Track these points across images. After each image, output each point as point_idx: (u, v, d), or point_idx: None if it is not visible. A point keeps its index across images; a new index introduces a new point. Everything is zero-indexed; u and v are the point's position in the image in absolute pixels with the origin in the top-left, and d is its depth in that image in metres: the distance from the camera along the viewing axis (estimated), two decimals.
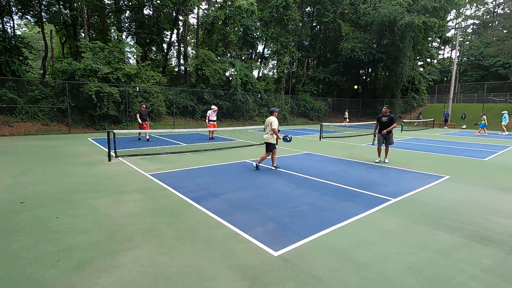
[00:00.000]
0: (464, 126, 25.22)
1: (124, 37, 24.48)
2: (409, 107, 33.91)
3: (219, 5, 24.63)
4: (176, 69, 31.27)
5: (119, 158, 8.09)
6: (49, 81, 17.67)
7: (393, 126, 7.90)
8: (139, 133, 12.69)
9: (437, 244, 3.32)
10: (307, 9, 32.44)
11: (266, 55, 32.50)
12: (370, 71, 37.34)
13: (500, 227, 3.85)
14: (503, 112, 20.19)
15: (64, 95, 15.97)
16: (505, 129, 19.57)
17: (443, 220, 4.06)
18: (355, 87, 24.29)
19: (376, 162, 8.23)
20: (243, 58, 29.69)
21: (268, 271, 2.71)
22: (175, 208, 4.35)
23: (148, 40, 24.92)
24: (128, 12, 24.86)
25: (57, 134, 14.50)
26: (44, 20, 20.69)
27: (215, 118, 12.86)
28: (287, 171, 6.98)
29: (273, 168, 7.22)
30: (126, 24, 25.68)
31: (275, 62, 31.79)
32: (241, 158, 8.61)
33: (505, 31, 35.78)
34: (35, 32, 35.48)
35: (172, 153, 9.23)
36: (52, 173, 6.37)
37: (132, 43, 23.55)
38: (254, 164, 7.24)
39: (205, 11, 29.34)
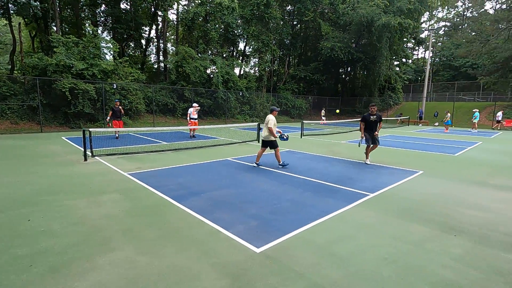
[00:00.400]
0: (437, 124, 26.47)
1: (99, 32, 23.57)
2: (386, 105, 35.11)
3: (200, 1, 24.23)
4: (156, 66, 30.54)
5: (96, 157, 7.81)
6: (18, 77, 16.69)
7: (380, 125, 7.98)
8: (116, 132, 12.31)
9: (411, 236, 3.48)
10: (288, 8, 32.68)
11: (248, 53, 32.46)
12: (349, 70, 38.29)
13: (468, 218, 4.09)
14: (474, 110, 21.43)
15: (35, 91, 15.15)
16: (476, 126, 20.73)
17: (417, 213, 4.26)
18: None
19: (367, 164, 7.81)
20: (224, 55, 29.46)
21: (251, 268, 2.72)
22: (156, 207, 4.26)
23: (125, 36, 24.15)
24: (103, 6, 23.91)
25: (27, 133, 13.74)
26: (12, 12, 19.47)
27: (196, 116, 12.70)
28: (269, 168, 7.03)
29: (280, 166, 7.17)
30: (102, 19, 24.71)
31: (257, 60, 31.81)
32: (223, 156, 8.56)
33: (473, 33, 37.79)
34: (1, 25, 33.32)
35: (151, 151, 9.02)
36: (20, 174, 6.04)
37: (108, 38, 22.72)
38: (254, 164, 7.26)
39: (185, 7, 28.81)
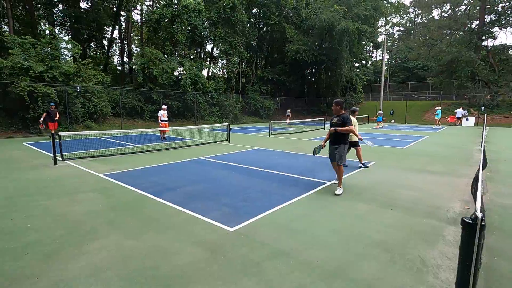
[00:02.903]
0: (393, 121, 28.83)
1: (57, 32, 22.49)
2: (348, 105, 37.34)
3: (165, 3, 24.10)
4: (120, 68, 29.69)
5: (67, 161, 7.80)
6: None
7: (345, 129, 5.10)
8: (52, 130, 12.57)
9: (356, 212, 4.24)
10: (253, 11, 33.49)
11: (215, 55, 32.74)
12: (314, 71, 40.12)
13: (403, 197, 4.97)
14: (436, 108, 23.86)
15: None
16: (439, 123, 23.07)
17: (364, 195, 5.07)
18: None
19: (365, 166, 7.37)
20: (191, 57, 29.49)
21: (225, 243, 3.26)
22: (135, 202, 4.62)
23: (86, 37, 23.29)
24: (61, 5, 22.86)
25: None
26: None
27: (166, 118, 12.89)
28: (239, 165, 7.57)
29: (361, 166, 7.37)
30: (60, 19, 23.58)
31: (225, 61, 32.23)
32: (195, 155, 8.95)
33: (422, 38, 41.52)
34: None
35: (123, 154, 9.13)
36: None
37: (67, 39, 21.77)
38: (361, 164, 7.40)
39: (149, 8, 28.40)
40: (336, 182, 5.47)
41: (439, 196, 5.02)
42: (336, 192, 5.05)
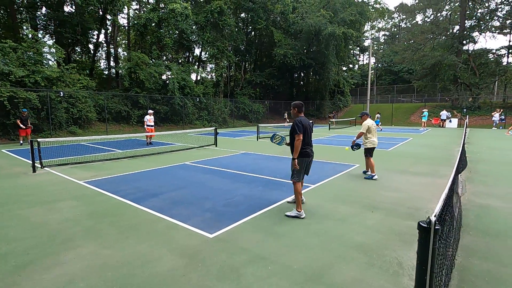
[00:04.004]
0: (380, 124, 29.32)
1: (40, 36, 21.98)
2: (336, 108, 37.87)
3: (152, 7, 23.94)
4: (106, 72, 29.23)
5: (46, 168, 7.58)
6: None
7: (296, 139, 4.09)
8: (21, 138, 12.98)
9: (338, 215, 4.26)
10: (241, 15, 33.68)
11: (204, 59, 32.68)
12: (302, 75, 40.55)
13: (385, 199, 5.04)
14: (423, 110, 24.38)
15: None
16: (425, 125, 23.59)
17: (346, 197, 5.11)
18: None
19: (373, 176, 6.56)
20: (179, 61, 29.35)
21: (204, 249, 3.21)
22: (115, 209, 4.51)
23: (70, 41, 22.85)
24: (44, 8, 22.39)
25: None
26: None
27: (152, 123, 12.74)
28: (225, 169, 7.53)
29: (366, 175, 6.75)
30: (43, 22, 23.08)
31: (213, 65, 32.21)
32: (180, 160, 8.85)
33: (406, 42, 42.63)
34: None
35: (107, 160, 8.95)
36: None
37: (51, 43, 21.31)
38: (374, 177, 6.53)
39: (136, 11, 28.15)
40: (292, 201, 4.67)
41: (420, 197, 5.12)
42: (286, 213, 4.19)
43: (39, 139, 7.64)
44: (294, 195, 4.36)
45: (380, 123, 22.77)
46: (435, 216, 1.17)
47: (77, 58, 26.94)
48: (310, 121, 4.52)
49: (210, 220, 4.06)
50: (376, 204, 4.73)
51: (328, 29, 27.59)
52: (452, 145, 12.82)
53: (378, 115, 22.90)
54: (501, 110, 24.69)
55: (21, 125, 12.47)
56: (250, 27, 34.06)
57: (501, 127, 23.65)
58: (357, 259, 2.99)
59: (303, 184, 4.56)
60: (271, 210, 4.47)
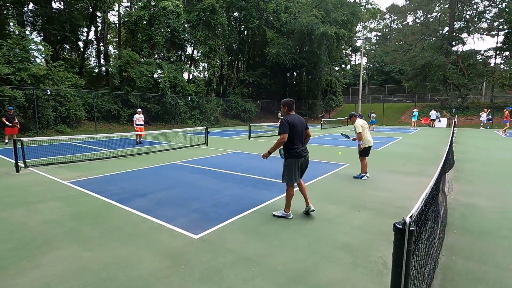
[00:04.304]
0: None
1: (27, 33, 21.47)
2: (329, 107, 38.11)
3: (143, 4, 23.62)
4: (96, 70, 28.77)
5: (30, 168, 7.38)
6: None
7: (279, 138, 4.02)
8: (6, 137, 12.73)
9: (326, 215, 4.25)
10: (234, 14, 33.54)
11: (196, 58, 32.44)
12: (295, 75, 40.64)
13: (374, 198, 5.06)
14: (414, 110, 24.64)
15: None
16: (415, 125, 23.84)
17: (335, 197, 5.11)
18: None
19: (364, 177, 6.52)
20: (171, 60, 29.06)
21: (189, 250, 3.15)
22: (99, 210, 4.41)
23: (59, 38, 22.38)
24: (32, 4, 21.86)
25: None
26: None
27: (142, 122, 12.52)
28: (215, 169, 7.46)
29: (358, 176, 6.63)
30: (30, 19, 22.55)
31: (205, 64, 31.99)
32: (170, 160, 8.74)
33: (397, 43, 43.14)
34: None
35: (94, 159, 8.78)
36: None
37: (38, 40, 20.82)
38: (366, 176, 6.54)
39: (127, 9, 27.75)
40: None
41: (407, 197, 5.15)
42: (274, 213, 4.18)
43: (22, 138, 7.43)
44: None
45: (375, 123, 22.83)
46: (410, 217, 1.14)
47: (66, 56, 26.42)
48: (301, 117, 4.32)
49: (197, 220, 4.00)
50: (364, 204, 4.74)
51: (320, 29, 27.70)
52: (441, 144, 13.00)
53: (373, 115, 22.87)
54: (489, 110, 25.20)
55: (7, 123, 12.14)
56: (242, 26, 33.95)
57: (488, 127, 24.14)
58: (342, 260, 2.98)
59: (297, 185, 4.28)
60: (259, 210, 4.43)
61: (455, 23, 32.25)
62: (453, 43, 32.77)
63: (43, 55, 17.79)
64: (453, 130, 12.39)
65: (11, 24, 21.50)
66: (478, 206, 4.71)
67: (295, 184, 4.15)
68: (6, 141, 12.74)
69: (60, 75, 17.51)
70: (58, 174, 6.83)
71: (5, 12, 21.28)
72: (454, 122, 13.65)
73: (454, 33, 32.21)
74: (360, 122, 6.74)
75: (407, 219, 1.11)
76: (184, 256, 3.04)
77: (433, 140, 14.73)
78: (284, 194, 5.08)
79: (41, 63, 18.42)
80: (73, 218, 4.08)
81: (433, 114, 26.83)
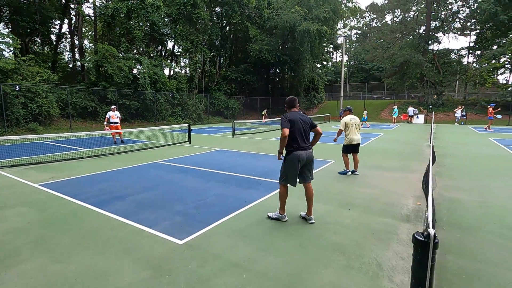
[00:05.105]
0: None
1: None
2: (311, 104, 38.42)
3: None
4: (71, 65, 27.34)
5: None
6: None
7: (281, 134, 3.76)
8: None
9: (315, 214, 4.12)
10: (216, 9, 32.90)
11: (177, 53, 31.59)
12: (278, 71, 40.57)
13: (360, 195, 5.01)
14: (394, 106, 25.15)
15: None
16: (395, 121, 24.35)
17: (323, 195, 5.02)
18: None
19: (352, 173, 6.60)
20: (151, 55, 28.13)
21: (172, 258, 2.92)
22: (72, 215, 4.06)
23: (29, 30, 21.00)
24: None
25: None
26: None
27: (117, 120, 11.65)
28: (198, 167, 7.20)
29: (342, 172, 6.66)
30: None
31: (187, 60, 31.24)
32: (151, 159, 8.37)
33: (376, 41, 44.12)
34: None
35: (69, 159, 8.24)
36: None
37: (6, 32, 19.42)
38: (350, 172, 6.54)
39: (103, 1, 26.47)
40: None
41: (393, 193, 5.15)
42: (268, 214, 4.00)
43: None
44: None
45: (367, 120, 22.73)
46: (432, 227, 1.00)
47: (37, 50, 24.86)
48: (306, 115, 3.99)
49: (181, 224, 3.76)
50: (352, 201, 4.68)
51: (302, 26, 27.72)
52: (420, 140, 13.35)
53: (365, 112, 22.95)
54: (463, 107, 26.30)
55: None
56: (224, 22, 33.38)
57: (462, 123, 25.21)
58: (335, 262, 2.86)
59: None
60: (246, 211, 4.25)
61: (431, 22, 33.32)
62: (429, 42, 33.88)
63: (11, 48, 16.59)
64: (432, 126, 12.77)
65: None
66: (461, 201, 4.78)
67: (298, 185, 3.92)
68: None
69: (30, 70, 16.43)
70: (27, 176, 6.32)
71: None
72: (433, 118, 14.03)
73: (430, 32, 33.28)
74: (346, 119, 6.70)
75: (431, 231, 0.97)
76: (167, 264, 2.81)
77: (412, 136, 15.13)
78: (273, 193, 4.97)
79: (9, 57, 17.20)
80: (42, 226, 3.73)
81: (410, 110, 27.66)
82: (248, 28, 30.33)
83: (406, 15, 38.26)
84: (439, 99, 30.86)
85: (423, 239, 0.95)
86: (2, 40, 16.08)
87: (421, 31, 35.13)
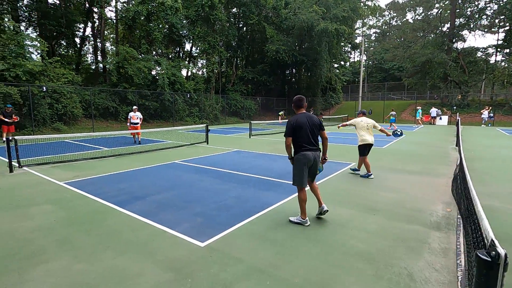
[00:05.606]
0: None
1: (23, 28, 21.01)
2: (328, 105, 37.82)
3: (140, 0, 23.14)
4: (93, 67, 28.28)
5: (25, 168, 7.07)
6: None
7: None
8: (4, 135, 12.10)
9: (338, 218, 3.99)
10: (233, 10, 33.06)
11: (195, 54, 31.99)
12: (294, 72, 40.23)
13: (384, 199, 4.80)
14: (417, 107, 24.25)
15: None
16: (420, 122, 23.46)
17: (345, 199, 4.85)
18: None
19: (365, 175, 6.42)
20: (170, 56, 28.62)
21: (194, 261, 2.88)
22: (96, 214, 4.13)
23: (55, 33, 21.93)
24: None
25: None
26: None
27: (137, 121, 11.88)
28: (216, 168, 7.18)
29: (353, 170, 6.71)
30: (25, 14, 22.05)
31: (204, 61, 31.56)
32: (169, 159, 8.45)
33: (397, 40, 42.89)
34: None
35: (91, 158, 8.47)
36: None
37: (34, 35, 20.37)
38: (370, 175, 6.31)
39: (124, 4, 27.23)
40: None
41: (420, 198, 4.90)
42: (290, 218, 3.91)
43: (17, 137, 7.12)
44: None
45: (394, 121, 20.61)
46: (499, 246, 0.87)
47: (63, 52, 25.92)
48: (314, 116, 3.97)
49: (201, 226, 3.73)
50: (376, 206, 4.48)
51: (320, 25, 27.32)
52: (444, 142, 12.77)
53: (392, 113, 20.91)
54: (490, 107, 25.02)
55: (6, 120, 11.77)
56: (241, 22, 33.49)
57: (489, 125, 23.97)
58: (362, 271, 2.72)
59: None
60: (266, 213, 4.16)
61: (456, 19, 31.95)
62: (454, 40, 32.50)
63: (39, 51, 17.33)
64: (458, 128, 12.18)
65: (6, 19, 21.03)
66: (497, 209, 4.47)
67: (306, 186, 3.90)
68: (4, 138, 12.36)
69: (56, 72, 17.10)
70: (53, 174, 6.53)
71: None
72: (458, 120, 13.39)
73: (455, 30, 31.93)
74: (358, 119, 6.67)
75: (501, 251, 0.84)
76: (189, 267, 2.77)
77: (435, 138, 14.51)
78: (292, 197, 4.85)
79: (36, 59, 18.01)
80: (67, 224, 3.80)
81: (433, 111, 26.62)
82: (265, 29, 30.27)
83: (429, 13, 36.93)
84: (464, 99, 29.53)
85: (489, 259, 0.82)
86: (31, 43, 16.85)
87: (444, 29, 33.79)
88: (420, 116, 24.46)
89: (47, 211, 4.24)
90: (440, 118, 26.57)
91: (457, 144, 9.89)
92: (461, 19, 32.40)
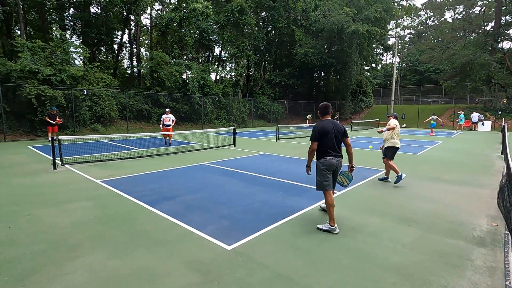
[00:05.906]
0: (404, 125, 27.96)
1: (68, 36, 22.77)
2: (358, 109, 36.68)
3: (174, 7, 24.15)
4: (129, 71, 29.90)
5: (66, 166, 7.61)
6: None
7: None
8: (49, 135, 13.01)
9: (368, 228, 3.81)
10: (262, 14, 33.33)
11: (224, 58, 32.64)
12: (322, 75, 39.59)
13: (420, 210, 4.51)
14: (459, 112, 22.80)
15: None
16: (462, 127, 22.07)
17: (377, 207, 4.63)
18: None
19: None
20: (200, 61, 29.45)
21: (221, 264, 2.89)
22: (128, 213, 4.31)
23: (96, 40, 23.47)
24: (72, 9, 23.15)
25: None
26: None
27: (170, 123, 12.37)
28: (243, 171, 7.22)
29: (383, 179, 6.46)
30: (70, 23, 23.89)
31: (233, 65, 32.09)
32: (198, 161, 8.64)
33: (434, 40, 40.58)
34: None
35: (125, 158, 8.91)
36: None
37: (77, 43, 21.99)
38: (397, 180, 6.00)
39: (158, 12, 28.55)
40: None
41: (460, 210, 4.54)
42: (318, 226, 3.80)
43: (60, 137, 7.68)
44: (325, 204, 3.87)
45: (435, 127, 19.37)
46: None
47: (102, 58, 27.70)
48: (339, 123, 4.00)
49: (227, 228, 3.74)
50: (411, 217, 4.22)
51: (351, 27, 26.66)
52: (487, 150, 11.80)
53: (433, 117, 19.35)
54: None
55: (51, 121, 12.72)
56: (270, 26, 33.63)
57: None
58: (397, 286, 2.55)
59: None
60: (294, 219, 4.08)
61: (501, 17, 29.57)
62: (499, 39, 30.09)
63: (81, 57, 18.67)
64: (505, 134, 11.20)
65: (54, 28, 22.94)
66: None
67: (332, 191, 3.88)
68: (49, 138, 13.42)
69: (96, 76, 18.29)
70: (91, 172, 6.94)
71: (48, 17, 22.76)
72: (504, 125, 12.31)
73: (500, 29, 29.54)
74: (395, 121, 6.34)
75: None
76: (216, 270, 2.78)
77: (477, 145, 13.45)
78: (319, 203, 4.72)
79: (79, 65, 19.42)
80: (102, 220, 4.00)
81: (475, 116, 24.77)
82: (293, 32, 30.15)
83: (470, 11, 34.55)
84: (510, 103, 27.15)
85: None
86: (75, 50, 18.21)
87: (488, 28, 31.42)
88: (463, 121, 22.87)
89: (85, 207, 4.51)
90: (483, 124, 24.65)
91: (503, 152, 9.11)
92: (507, 17, 29.96)
